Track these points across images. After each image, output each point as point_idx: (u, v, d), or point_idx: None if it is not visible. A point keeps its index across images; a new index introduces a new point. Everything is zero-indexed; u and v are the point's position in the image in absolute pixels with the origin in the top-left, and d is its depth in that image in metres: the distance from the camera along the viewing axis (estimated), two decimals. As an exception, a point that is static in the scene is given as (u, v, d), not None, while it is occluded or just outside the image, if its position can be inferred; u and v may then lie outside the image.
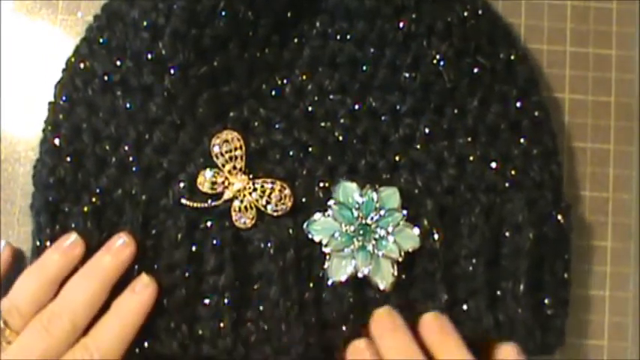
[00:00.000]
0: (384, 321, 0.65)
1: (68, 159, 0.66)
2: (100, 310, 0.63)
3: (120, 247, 0.64)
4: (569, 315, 0.68)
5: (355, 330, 0.65)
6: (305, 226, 0.66)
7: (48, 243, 0.65)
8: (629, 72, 0.75)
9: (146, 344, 0.65)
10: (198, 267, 0.66)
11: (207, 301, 0.66)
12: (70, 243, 0.64)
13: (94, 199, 0.66)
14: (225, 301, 0.65)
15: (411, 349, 0.63)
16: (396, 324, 0.64)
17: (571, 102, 0.74)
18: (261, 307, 0.66)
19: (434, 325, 0.65)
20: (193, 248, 0.66)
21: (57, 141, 0.67)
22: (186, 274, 0.66)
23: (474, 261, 0.66)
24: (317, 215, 0.66)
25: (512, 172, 0.68)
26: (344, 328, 0.65)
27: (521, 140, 0.68)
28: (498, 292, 0.67)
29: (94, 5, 0.70)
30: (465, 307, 0.66)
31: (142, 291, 0.64)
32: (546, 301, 0.67)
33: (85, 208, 0.65)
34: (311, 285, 0.66)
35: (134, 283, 0.64)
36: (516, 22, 0.74)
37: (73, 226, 0.65)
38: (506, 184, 0.68)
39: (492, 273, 0.66)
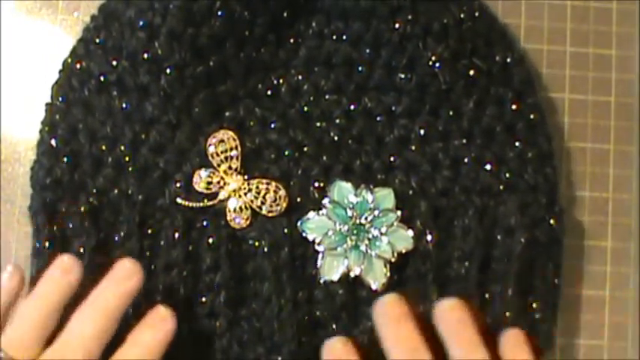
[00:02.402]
0: (389, 309, 0.63)
1: (65, 160, 0.66)
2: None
3: (124, 277, 0.61)
4: (558, 318, 0.68)
5: (346, 329, 0.65)
6: (299, 224, 0.66)
7: (47, 244, 0.65)
8: (629, 72, 0.74)
9: None
10: (195, 266, 0.66)
11: (204, 299, 0.66)
12: (64, 268, 0.61)
13: (91, 199, 0.66)
14: (222, 299, 0.66)
15: (415, 340, 0.61)
16: (400, 313, 0.63)
17: (571, 102, 0.74)
18: (254, 306, 0.66)
19: (450, 315, 0.63)
20: (190, 248, 0.66)
21: (54, 142, 0.67)
22: (184, 274, 0.66)
23: (466, 263, 0.66)
24: (311, 214, 0.66)
25: (507, 175, 0.68)
26: (335, 327, 0.66)
27: (517, 143, 0.68)
28: (487, 295, 0.67)
29: (92, 5, 0.70)
30: None
31: (160, 326, 0.61)
32: (534, 305, 0.66)
33: (83, 209, 0.65)
34: (304, 284, 0.66)
35: (151, 317, 0.62)
36: (516, 23, 0.74)
37: (70, 226, 0.66)
38: (501, 187, 0.67)
39: (483, 275, 0.66)
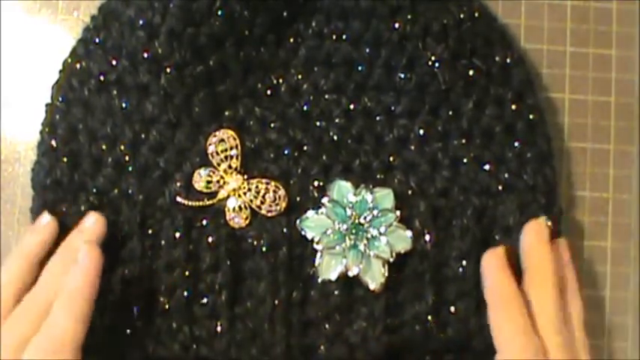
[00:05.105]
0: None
1: (65, 160, 0.66)
2: None
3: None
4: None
5: (339, 329, 0.65)
6: (298, 222, 0.66)
7: None
8: (629, 72, 0.74)
9: (150, 348, 0.65)
10: (196, 266, 0.66)
11: (204, 300, 0.66)
12: (43, 224, 0.64)
13: (91, 199, 0.66)
14: (223, 298, 0.65)
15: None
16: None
17: (571, 102, 0.74)
18: (248, 305, 0.66)
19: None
20: (190, 247, 0.66)
21: (54, 142, 0.67)
22: (186, 274, 0.66)
23: (463, 263, 0.66)
24: (310, 212, 0.66)
25: (506, 175, 0.67)
26: (327, 326, 0.66)
27: (516, 143, 0.68)
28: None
29: (92, 5, 0.70)
30: (452, 308, 0.66)
31: (84, 259, 0.60)
32: None
33: (83, 208, 0.65)
34: (300, 284, 0.66)
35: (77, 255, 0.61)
36: (516, 23, 0.74)
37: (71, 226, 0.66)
38: (500, 187, 0.67)
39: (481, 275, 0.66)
